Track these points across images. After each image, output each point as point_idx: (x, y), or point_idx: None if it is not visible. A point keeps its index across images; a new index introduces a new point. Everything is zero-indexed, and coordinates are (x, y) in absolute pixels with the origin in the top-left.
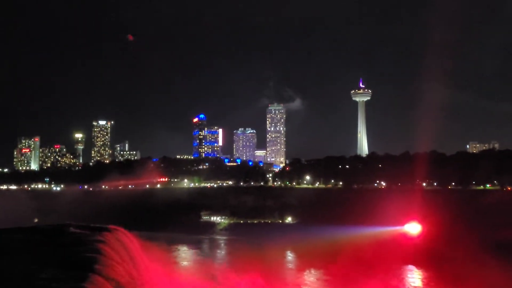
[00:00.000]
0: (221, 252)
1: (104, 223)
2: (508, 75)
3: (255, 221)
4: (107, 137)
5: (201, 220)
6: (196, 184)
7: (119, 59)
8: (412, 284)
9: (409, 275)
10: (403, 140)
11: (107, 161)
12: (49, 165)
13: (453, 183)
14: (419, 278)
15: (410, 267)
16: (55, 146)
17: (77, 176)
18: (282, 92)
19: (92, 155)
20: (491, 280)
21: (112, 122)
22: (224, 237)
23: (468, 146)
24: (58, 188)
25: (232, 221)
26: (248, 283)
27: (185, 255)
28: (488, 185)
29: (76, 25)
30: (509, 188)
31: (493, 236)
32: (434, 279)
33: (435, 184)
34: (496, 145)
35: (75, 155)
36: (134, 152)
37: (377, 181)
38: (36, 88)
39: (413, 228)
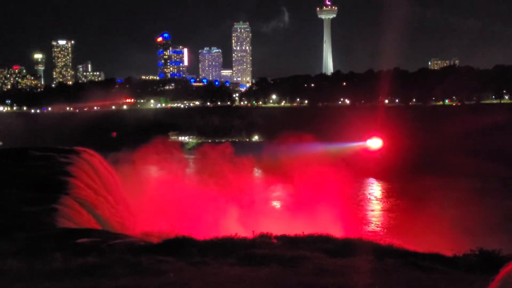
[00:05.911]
0: (191, 170)
1: (73, 145)
2: None
3: (223, 140)
4: (68, 57)
5: (169, 140)
6: (163, 104)
7: None
8: (373, 196)
9: (369, 188)
10: (368, 58)
11: (70, 83)
12: (9, 87)
13: (414, 100)
14: (379, 190)
15: (371, 180)
16: (14, 67)
17: (41, 98)
18: (247, 10)
19: (54, 76)
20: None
21: (72, 42)
22: (193, 156)
23: (430, 63)
24: (38, 111)
25: (200, 141)
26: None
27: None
28: (447, 101)
29: None
30: (463, 103)
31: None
32: (392, 190)
33: (397, 101)
34: (457, 62)
35: (36, 76)
36: (98, 73)
37: (341, 99)
38: None
39: (375, 143)
